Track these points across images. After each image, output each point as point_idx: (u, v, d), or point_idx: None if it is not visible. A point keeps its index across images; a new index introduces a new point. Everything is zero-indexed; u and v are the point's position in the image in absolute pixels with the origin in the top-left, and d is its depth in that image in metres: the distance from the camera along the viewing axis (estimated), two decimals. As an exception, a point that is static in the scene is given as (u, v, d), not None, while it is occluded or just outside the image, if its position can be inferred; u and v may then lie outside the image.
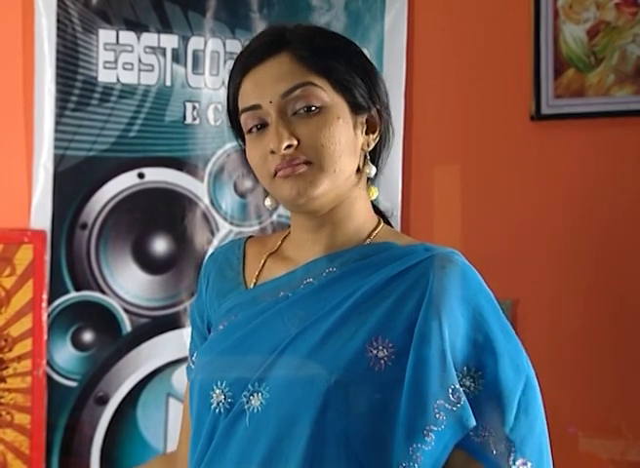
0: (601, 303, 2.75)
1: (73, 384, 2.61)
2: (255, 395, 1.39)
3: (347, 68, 1.43)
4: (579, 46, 2.78)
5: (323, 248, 1.48)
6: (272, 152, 1.40)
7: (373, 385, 1.37)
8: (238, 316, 1.48)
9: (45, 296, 2.57)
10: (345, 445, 1.35)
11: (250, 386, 1.40)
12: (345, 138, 1.42)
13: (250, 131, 1.44)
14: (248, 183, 2.74)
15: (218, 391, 1.42)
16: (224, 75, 2.72)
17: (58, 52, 2.59)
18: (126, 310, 2.65)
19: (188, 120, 2.70)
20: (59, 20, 2.59)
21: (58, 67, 2.59)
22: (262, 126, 1.42)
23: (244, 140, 1.49)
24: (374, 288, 1.41)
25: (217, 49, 2.72)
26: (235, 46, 2.72)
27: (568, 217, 2.81)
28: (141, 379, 2.66)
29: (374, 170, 1.47)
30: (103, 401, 2.63)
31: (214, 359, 1.46)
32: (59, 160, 2.60)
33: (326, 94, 1.41)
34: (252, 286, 1.51)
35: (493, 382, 1.39)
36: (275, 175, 1.41)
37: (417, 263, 1.42)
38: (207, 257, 1.61)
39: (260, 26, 2.73)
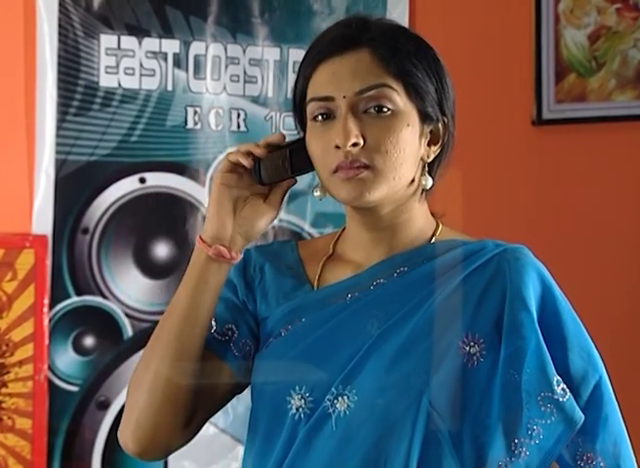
0: (602, 304, 2.76)
1: (74, 389, 2.61)
2: (340, 398, 1.37)
3: (424, 75, 1.41)
4: (580, 51, 2.79)
5: (386, 249, 1.46)
6: (337, 147, 1.38)
7: (469, 382, 1.36)
8: (305, 319, 1.45)
9: (46, 301, 2.57)
10: (448, 442, 1.35)
11: (333, 390, 1.38)
12: (410, 147, 1.40)
13: (315, 118, 1.41)
14: (249, 188, 2.74)
15: (296, 396, 1.40)
16: (226, 80, 2.72)
17: (59, 57, 2.59)
18: (127, 315, 2.65)
19: (190, 125, 2.70)
20: (60, 25, 2.59)
21: (59, 72, 2.59)
22: (329, 116, 1.40)
23: (302, 127, 1.47)
24: (453, 285, 1.40)
25: (218, 54, 2.72)
26: (236, 51, 2.72)
27: (569, 221, 2.81)
28: (143, 384, 2.66)
29: (430, 182, 1.45)
30: (105, 405, 2.63)
31: (286, 364, 1.43)
32: (60, 165, 2.60)
33: (399, 98, 1.39)
34: (315, 288, 1.49)
35: (561, 373, 1.38)
36: (335, 171, 1.39)
37: (491, 258, 1.42)
38: (249, 250, 1.54)
39: (261, 31, 2.73)
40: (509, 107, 2.81)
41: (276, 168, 1.44)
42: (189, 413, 1.46)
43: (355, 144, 1.37)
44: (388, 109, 1.38)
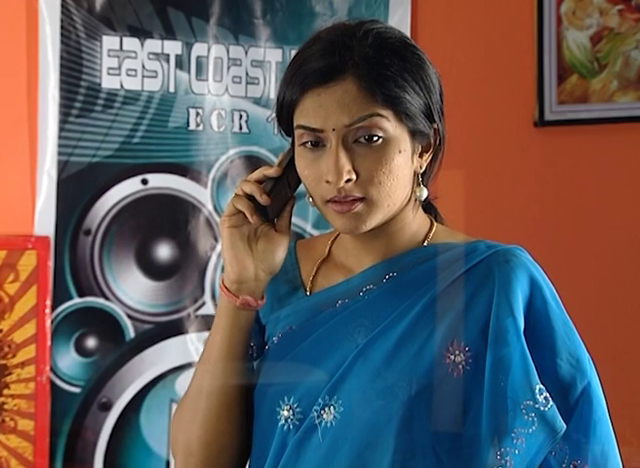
0: (604, 307, 2.75)
1: (77, 390, 2.61)
2: (326, 409, 1.36)
3: (412, 95, 1.37)
4: (582, 52, 2.79)
5: (379, 255, 1.44)
6: (329, 182, 1.36)
7: (453, 392, 1.34)
8: (295, 327, 1.44)
9: (48, 302, 2.57)
10: (431, 454, 1.33)
11: (320, 400, 1.37)
12: (403, 171, 1.38)
13: (304, 144, 1.38)
14: (251, 189, 2.74)
15: (285, 407, 1.39)
16: (228, 81, 2.72)
17: (61, 58, 2.59)
18: (129, 316, 2.65)
19: (192, 126, 2.70)
20: (62, 27, 2.59)
21: (61, 74, 2.60)
22: (318, 144, 1.37)
23: (287, 133, 1.45)
24: (440, 291, 1.38)
25: (220, 55, 2.72)
26: (238, 52, 2.72)
27: (571, 223, 2.81)
28: (145, 385, 2.66)
29: (425, 192, 1.43)
30: (107, 407, 2.63)
31: (275, 374, 1.42)
32: (62, 166, 2.60)
33: (390, 125, 1.36)
34: (308, 292, 1.48)
35: (548, 379, 1.36)
36: (328, 201, 1.37)
37: (480, 261, 1.39)
38: None
39: (263, 33, 2.73)
40: (511, 109, 2.80)
41: (279, 200, 1.43)
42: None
43: (348, 180, 1.35)
44: (379, 137, 1.36)
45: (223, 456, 1.44)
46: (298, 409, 1.39)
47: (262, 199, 1.40)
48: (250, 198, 1.41)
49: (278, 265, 1.43)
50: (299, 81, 1.38)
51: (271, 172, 1.42)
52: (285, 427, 1.39)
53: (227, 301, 1.42)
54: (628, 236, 2.80)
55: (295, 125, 1.40)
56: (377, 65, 1.36)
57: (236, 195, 1.42)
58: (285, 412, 1.39)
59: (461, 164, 2.80)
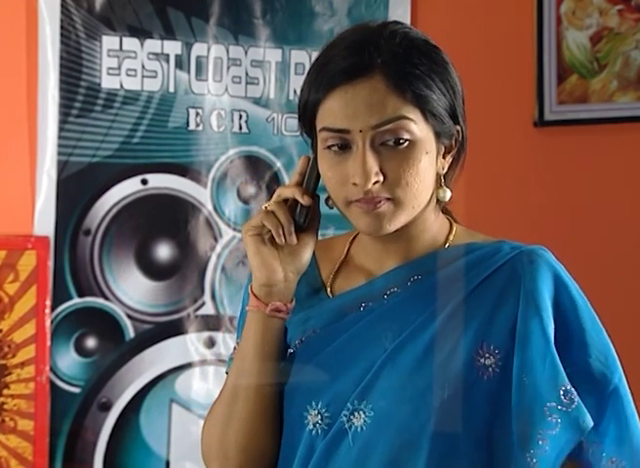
0: (605, 309, 2.75)
1: (76, 390, 2.61)
2: (356, 414, 1.35)
3: (439, 95, 1.37)
4: (582, 52, 2.79)
5: (400, 257, 1.43)
6: (355, 184, 1.34)
7: (485, 395, 1.34)
8: (319, 330, 1.43)
9: (48, 302, 2.58)
10: (464, 458, 1.33)
11: (349, 405, 1.36)
12: (429, 173, 1.37)
13: (329, 147, 1.36)
14: (251, 189, 2.74)
15: (313, 412, 1.38)
16: (227, 81, 2.73)
17: (61, 58, 2.59)
18: (129, 316, 2.65)
19: (192, 126, 2.70)
20: (62, 27, 2.59)
21: (61, 74, 2.60)
22: (344, 146, 1.35)
23: (309, 135, 1.42)
24: (467, 294, 1.37)
25: (220, 55, 2.72)
26: (238, 52, 2.72)
27: (571, 222, 2.81)
28: (145, 385, 2.66)
29: (448, 194, 1.42)
30: (107, 407, 2.63)
31: (301, 378, 1.41)
32: (62, 166, 2.60)
33: (417, 126, 1.35)
34: (329, 294, 1.47)
35: (580, 377, 1.36)
36: (351, 202, 1.36)
37: (505, 263, 1.39)
38: None
39: (263, 33, 2.73)
40: (511, 109, 2.81)
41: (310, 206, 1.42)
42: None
43: (376, 182, 1.33)
44: (406, 140, 1.34)
45: (261, 461, 1.43)
46: (326, 414, 1.38)
47: (305, 198, 1.40)
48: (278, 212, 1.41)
49: (306, 264, 1.42)
50: (324, 80, 1.35)
51: (306, 201, 1.40)
52: (313, 432, 1.38)
53: (257, 309, 1.41)
54: (628, 236, 2.80)
55: (318, 128, 1.37)
56: (405, 64, 1.34)
57: (266, 212, 1.40)
58: (313, 417, 1.38)
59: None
